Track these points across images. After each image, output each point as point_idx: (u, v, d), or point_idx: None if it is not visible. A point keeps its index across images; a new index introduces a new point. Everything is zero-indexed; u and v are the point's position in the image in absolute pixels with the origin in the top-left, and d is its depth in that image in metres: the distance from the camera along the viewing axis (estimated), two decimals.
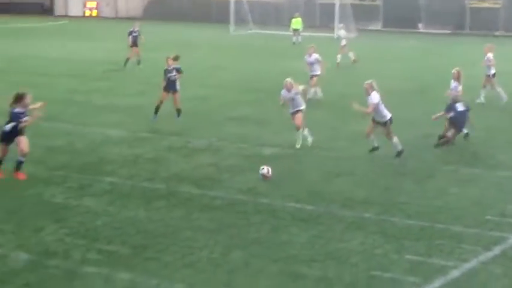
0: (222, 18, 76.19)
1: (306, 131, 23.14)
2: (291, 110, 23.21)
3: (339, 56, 44.35)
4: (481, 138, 24.82)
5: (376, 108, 21.79)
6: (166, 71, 27.16)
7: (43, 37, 62.56)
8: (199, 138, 24.34)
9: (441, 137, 23.44)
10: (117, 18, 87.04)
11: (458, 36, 69.12)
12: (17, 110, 19.03)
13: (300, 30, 61.91)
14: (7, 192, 18.24)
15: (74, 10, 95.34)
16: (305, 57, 32.28)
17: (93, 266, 13.57)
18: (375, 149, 22.17)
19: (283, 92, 23.29)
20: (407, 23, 74.27)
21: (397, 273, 13.49)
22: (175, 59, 27.60)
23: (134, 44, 43.47)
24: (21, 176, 19.20)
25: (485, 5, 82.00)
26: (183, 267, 13.60)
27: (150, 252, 14.30)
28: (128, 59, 42.76)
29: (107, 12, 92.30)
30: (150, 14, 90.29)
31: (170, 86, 27.03)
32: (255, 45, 56.74)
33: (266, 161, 21.41)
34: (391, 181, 19.82)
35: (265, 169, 19.32)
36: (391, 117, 21.93)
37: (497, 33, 70.74)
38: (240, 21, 71.50)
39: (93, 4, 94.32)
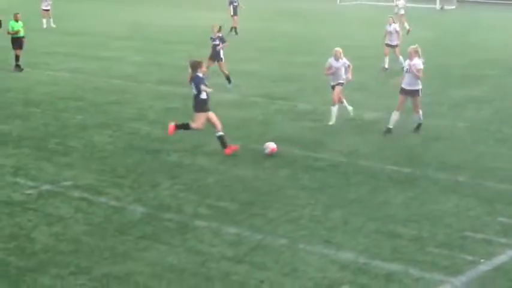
0: None
1: (345, 103, 22.02)
2: (332, 83, 21.87)
3: (406, 25, 43.29)
4: None
5: (416, 74, 20.18)
6: (212, 39, 27.00)
7: (164, 6, 63.09)
8: (306, 103, 24.32)
9: None
10: None
11: None
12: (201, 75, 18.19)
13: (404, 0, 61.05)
14: (127, 151, 18.52)
15: None
16: (386, 26, 31.74)
17: (203, 220, 13.70)
18: (389, 130, 20.34)
19: (331, 60, 21.86)
20: None
21: (489, 235, 13.25)
22: (219, 30, 27.22)
23: (235, 13, 43.98)
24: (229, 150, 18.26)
25: None
26: (285, 223, 13.62)
27: (255, 209, 14.37)
28: (232, 28, 43.20)
29: None
30: None
31: (215, 55, 26.82)
32: (361, 16, 56.23)
33: (367, 124, 21.28)
34: (486, 147, 19.43)
35: (268, 149, 18.52)
36: (421, 88, 20.57)
37: None
38: None
39: None
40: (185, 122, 18.35)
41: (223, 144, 18.10)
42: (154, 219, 13.75)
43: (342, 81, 21.72)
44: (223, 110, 22.75)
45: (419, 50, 20.40)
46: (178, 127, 18.32)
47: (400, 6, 48.15)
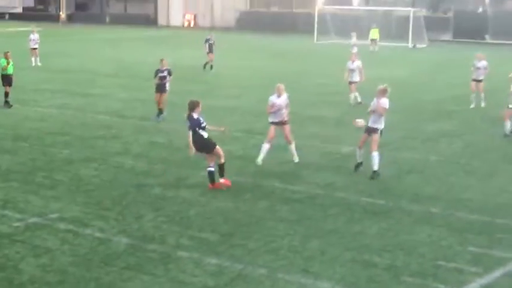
0: (307, 29, 76.34)
1: (292, 147, 21.03)
2: (273, 120, 20.68)
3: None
4: None
5: (382, 114, 19.28)
6: (158, 71, 27.09)
7: (148, 45, 63.41)
8: (282, 137, 24.30)
9: None
10: (213, 28, 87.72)
11: None
12: (197, 116, 17.90)
13: (377, 40, 61.67)
14: (112, 184, 18.48)
15: (175, 21, 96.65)
16: (347, 63, 31.80)
17: (185, 251, 13.65)
18: (359, 165, 19.82)
19: (273, 97, 20.57)
20: (476, 34, 73.36)
21: (461, 264, 13.27)
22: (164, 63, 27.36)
23: (211, 50, 44.40)
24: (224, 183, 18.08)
25: None
26: (265, 254, 13.59)
27: (236, 240, 14.33)
28: (206, 63, 43.71)
29: (204, 22, 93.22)
30: (242, 24, 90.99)
31: (161, 87, 26.94)
32: (336, 54, 56.51)
33: (344, 158, 21.33)
34: (457, 179, 19.51)
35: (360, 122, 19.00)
36: (383, 129, 19.58)
37: None
38: (323, 31, 71.49)
39: (191, 16, 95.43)
40: (220, 167, 17.96)
41: (222, 173, 17.96)
42: (138, 250, 13.68)
43: (286, 119, 20.69)
44: None
45: (388, 90, 19.59)
46: (222, 175, 17.94)
47: (352, 43, 48.57)
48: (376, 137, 19.38)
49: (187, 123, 17.87)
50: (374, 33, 62.05)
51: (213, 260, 13.20)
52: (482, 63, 30.89)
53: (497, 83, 35.88)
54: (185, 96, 30.73)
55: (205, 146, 17.89)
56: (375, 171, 19.19)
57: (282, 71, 44.75)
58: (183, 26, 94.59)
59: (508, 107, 25.17)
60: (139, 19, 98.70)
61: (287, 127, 20.79)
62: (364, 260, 13.39)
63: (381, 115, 19.36)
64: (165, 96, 27.12)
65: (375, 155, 19.15)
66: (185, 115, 18.09)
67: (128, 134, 24.62)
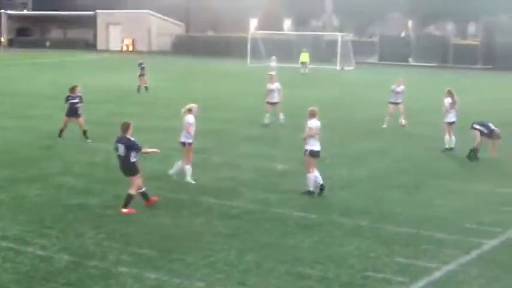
0: (240, 53, 76.58)
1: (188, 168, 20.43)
2: (185, 140, 20.35)
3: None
4: (462, 155, 24.76)
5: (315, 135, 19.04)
6: (71, 97, 27.16)
7: (87, 68, 62.91)
8: (220, 155, 24.32)
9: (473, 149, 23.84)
10: (150, 52, 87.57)
11: (443, 68, 69.07)
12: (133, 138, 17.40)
13: (307, 63, 62.14)
14: (53, 202, 18.21)
15: (113, 45, 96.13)
16: (267, 85, 31.85)
17: (125, 267, 13.49)
18: (321, 188, 19.21)
19: (191, 117, 20.40)
20: (400, 57, 74.49)
21: (388, 274, 13.39)
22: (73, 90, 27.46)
23: (142, 73, 44.31)
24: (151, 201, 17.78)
25: (467, 42, 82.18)
26: (202, 268, 13.52)
27: (174, 255, 14.22)
28: (139, 86, 43.55)
29: (141, 46, 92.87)
30: (178, 48, 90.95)
31: (72, 112, 27.01)
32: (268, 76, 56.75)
33: (278, 175, 21.37)
34: (385, 194, 19.69)
35: None
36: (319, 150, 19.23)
37: (476, 66, 70.71)
38: (256, 55, 71.79)
39: (129, 40, 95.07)
40: (127, 197, 17.40)
41: (126, 203, 17.33)
42: (80, 267, 13.47)
43: (190, 141, 20.33)
44: (144, 163, 22.59)
45: (316, 112, 19.36)
46: (126, 205, 17.27)
47: (272, 66, 48.85)
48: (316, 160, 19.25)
49: (122, 146, 17.29)
50: (304, 57, 62.51)
51: (152, 275, 13.08)
52: (401, 88, 31.23)
53: (418, 102, 36.54)
54: (124, 118, 30.47)
55: (127, 170, 17.41)
56: (322, 184, 19.14)
57: (217, 92, 44.83)
58: (121, 50, 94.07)
59: (445, 122, 25.64)
60: (79, 44, 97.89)
61: (188, 148, 20.38)
62: (297, 272, 13.41)
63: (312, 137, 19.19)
64: (81, 119, 27.09)
65: (317, 174, 19.07)
66: (117, 136, 17.66)
67: (69, 154, 24.31)
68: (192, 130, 20.27)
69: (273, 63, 49.73)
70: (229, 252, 14.40)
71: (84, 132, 27.04)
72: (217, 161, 23.54)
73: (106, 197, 18.67)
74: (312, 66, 62.97)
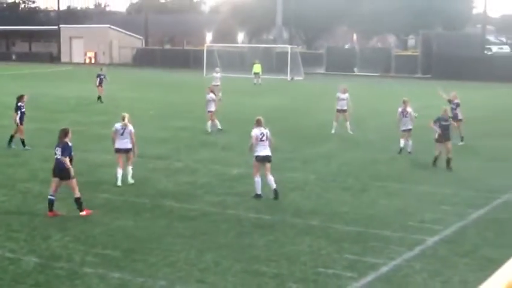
0: (197, 65, 76.54)
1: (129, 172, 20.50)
2: (129, 146, 20.43)
3: (220, 94, 44.76)
4: (405, 158, 25.00)
5: (257, 142, 18.90)
6: (21, 107, 27.00)
7: (51, 80, 62.26)
8: (179, 161, 24.22)
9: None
10: (111, 64, 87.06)
11: (386, 77, 69.70)
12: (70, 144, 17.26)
13: (260, 73, 62.23)
14: (20, 208, 17.97)
15: (77, 58, 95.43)
16: (207, 95, 31.66)
17: (90, 268, 13.35)
18: (274, 195, 19.02)
19: (118, 125, 20.60)
20: (346, 68, 75.00)
21: (338, 270, 13.44)
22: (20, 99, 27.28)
23: (100, 84, 44.07)
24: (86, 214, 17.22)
25: (407, 53, 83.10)
26: (164, 267, 13.43)
27: (137, 255, 14.11)
28: (99, 96, 43.34)
29: (104, 59, 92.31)
30: (139, 61, 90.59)
31: (23, 119, 26.96)
32: (225, 86, 56.70)
33: (233, 179, 21.34)
34: (334, 195, 19.78)
35: None
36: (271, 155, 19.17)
37: (416, 75, 71.51)
38: (212, 66, 71.73)
39: (92, 53, 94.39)
40: (76, 201, 17.19)
41: (80, 206, 17.16)
42: (47, 268, 13.30)
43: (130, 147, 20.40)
44: (104, 169, 22.44)
45: (260, 120, 19.21)
46: (82, 208, 17.10)
47: (216, 76, 48.93)
48: (268, 166, 19.09)
49: (60, 149, 17.04)
50: (257, 68, 62.58)
51: (117, 275, 12.96)
52: (346, 95, 31.21)
53: (363, 109, 36.81)
54: (89, 127, 30.33)
55: (64, 173, 17.06)
56: (276, 190, 18.96)
57: (174, 101, 44.69)
58: (84, 62, 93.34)
59: (401, 129, 26.03)
60: (43, 57, 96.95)
61: (130, 155, 20.42)
62: (253, 269, 13.39)
63: (271, 144, 19.25)
64: (22, 128, 26.89)
65: (272, 179, 18.96)
66: (57, 142, 17.35)
67: (35, 162, 24.00)
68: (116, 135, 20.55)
69: (217, 74, 49.76)
70: (189, 252, 14.33)
71: (23, 141, 26.72)
72: (177, 166, 23.44)
73: (71, 201, 18.38)
74: (264, 76, 63.08)
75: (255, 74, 62.09)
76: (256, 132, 18.98)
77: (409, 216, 17.40)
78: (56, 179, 17.14)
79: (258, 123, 19.19)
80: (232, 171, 22.56)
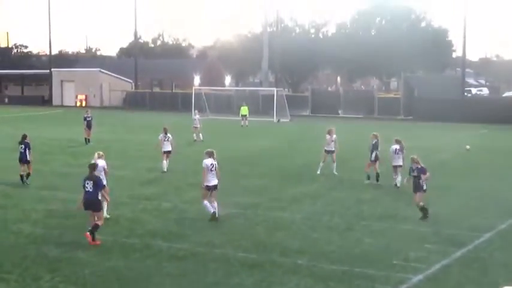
0: (185, 107, 76.74)
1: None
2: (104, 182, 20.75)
3: (194, 135, 46.40)
4: (390, 198, 25.03)
5: (208, 172, 20.80)
6: (21, 147, 27.66)
7: (43, 122, 62.18)
8: (168, 202, 24.15)
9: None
10: (102, 107, 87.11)
11: (369, 119, 70.02)
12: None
13: (247, 115, 62.38)
14: (11, 248, 17.83)
15: (68, 101, 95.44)
16: (160, 135, 32.15)
17: None
18: (214, 217, 20.91)
19: (97, 159, 21.31)
20: (330, 110, 75.33)
21: None
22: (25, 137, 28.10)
23: (88, 126, 44.08)
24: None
25: (390, 95, 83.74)
26: None
27: None
28: (86, 139, 43.34)
29: (94, 102, 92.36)
30: (129, 103, 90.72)
31: (23, 158, 27.63)
32: (213, 128, 56.76)
33: (221, 219, 21.26)
34: (320, 234, 19.74)
35: None
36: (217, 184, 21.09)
37: (398, 117, 71.90)
38: (200, 109, 71.96)
39: (83, 96, 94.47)
40: (94, 227, 18.08)
41: (94, 233, 17.98)
42: None
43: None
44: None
45: (211, 152, 21.26)
46: (93, 234, 17.97)
47: (196, 119, 49.27)
48: (215, 193, 21.03)
49: (91, 183, 18.10)
50: (244, 110, 62.72)
51: None
52: (334, 137, 31.30)
53: (347, 150, 36.85)
54: (78, 168, 30.19)
55: (95, 206, 18.27)
56: (214, 213, 20.85)
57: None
58: (75, 105, 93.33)
59: (392, 165, 27.46)
60: (35, 100, 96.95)
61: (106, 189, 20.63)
62: None
63: (218, 175, 21.10)
64: (30, 165, 27.71)
65: (216, 205, 20.92)
66: (87, 176, 18.42)
67: (27, 203, 23.86)
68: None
69: (196, 116, 49.98)
70: None
71: (28, 175, 27.38)
72: (166, 206, 23.37)
73: (62, 242, 18.33)
74: (251, 118, 63.22)
75: (242, 116, 62.24)
76: (207, 162, 20.83)
77: (393, 255, 17.37)
78: (89, 212, 18.34)
79: (210, 155, 21.05)
80: (220, 212, 22.46)
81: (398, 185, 27.03)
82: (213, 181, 20.88)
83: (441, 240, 19.10)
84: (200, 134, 46.29)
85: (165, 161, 31.15)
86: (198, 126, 47.27)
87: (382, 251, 17.87)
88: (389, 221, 21.49)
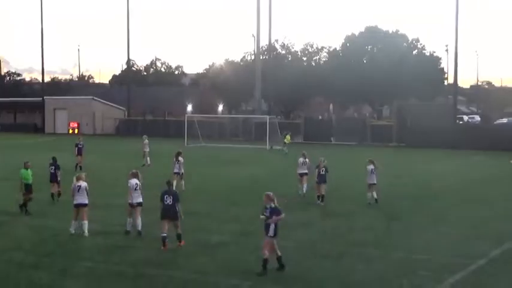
0: (178, 134, 76.81)
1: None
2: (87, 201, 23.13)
3: (147, 159, 47.39)
4: (382, 226, 25.01)
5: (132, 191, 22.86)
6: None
7: (35, 149, 62.06)
8: (159, 229, 24.04)
9: None
10: (95, 135, 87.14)
11: (362, 146, 70.14)
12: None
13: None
14: (3, 276, 17.73)
15: (60, 128, 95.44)
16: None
17: None
18: (127, 232, 22.90)
19: (77, 182, 23.29)
20: (323, 137, 75.50)
21: None
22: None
23: (79, 153, 44.21)
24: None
25: (382, 122, 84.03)
26: None
27: None
28: (77, 165, 43.31)
29: (87, 129, 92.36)
30: (121, 131, 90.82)
31: (53, 178, 29.79)
32: (205, 155, 56.79)
33: (213, 246, 21.20)
34: (313, 262, 19.69)
35: None
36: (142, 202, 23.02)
37: (391, 144, 72.06)
38: (192, 136, 72.08)
39: (75, 124, 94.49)
40: (179, 235, 20.80)
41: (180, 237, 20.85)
42: None
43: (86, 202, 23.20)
44: (89, 239, 22.25)
45: (136, 173, 23.37)
46: (180, 238, 20.94)
47: (145, 143, 49.66)
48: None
49: (171, 197, 20.60)
50: (287, 139, 62.55)
51: None
52: (306, 160, 33.35)
53: (338, 179, 36.85)
54: (69, 196, 30.12)
55: (176, 216, 20.66)
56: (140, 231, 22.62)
57: (154, 172, 44.54)
58: (68, 133, 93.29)
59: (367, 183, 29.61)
60: (28, 128, 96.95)
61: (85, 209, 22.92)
62: None
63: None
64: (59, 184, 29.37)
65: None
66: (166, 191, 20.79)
67: (19, 231, 23.77)
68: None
69: (145, 141, 50.27)
70: None
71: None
72: (159, 234, 23.25)
73: (54, 270, 18.25)
74: (243, 146, 63.27)
75: (286, 143, 61.50)
76: (132, 182, 22.95)
77: (387, 282, 17.34)
78: (166, 221, 20.68)
79: (134, 175, 23.17)
80: (213, 239, 22.44)
81: (373, 201, 29.40)
82: (138, 199, 22.89)
83: (434, 267, 19.06)
84: (147, 158, 46.88)
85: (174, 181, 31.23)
86: (147, 150, 48.19)
87: (375, 278, 17.82)
88: (381, 248, 21.43)
